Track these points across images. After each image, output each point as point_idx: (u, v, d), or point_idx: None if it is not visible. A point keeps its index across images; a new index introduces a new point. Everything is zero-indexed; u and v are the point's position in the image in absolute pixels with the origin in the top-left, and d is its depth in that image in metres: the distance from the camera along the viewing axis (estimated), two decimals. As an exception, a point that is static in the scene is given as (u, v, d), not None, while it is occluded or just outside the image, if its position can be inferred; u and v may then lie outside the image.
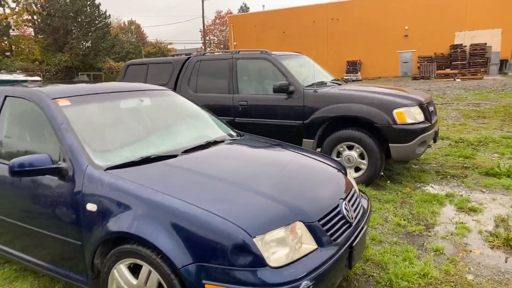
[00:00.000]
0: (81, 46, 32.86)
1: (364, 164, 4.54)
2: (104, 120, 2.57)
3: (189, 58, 5.92)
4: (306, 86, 4.91)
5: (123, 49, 55.53)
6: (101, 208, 2.00)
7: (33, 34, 35.88)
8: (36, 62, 33.69)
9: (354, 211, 2.32)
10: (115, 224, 1.92)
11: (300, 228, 1.90)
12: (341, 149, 4.66)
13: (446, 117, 9.56)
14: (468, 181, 4.66)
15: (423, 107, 4.50)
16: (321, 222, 1.99)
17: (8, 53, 32.90)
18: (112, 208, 1.96)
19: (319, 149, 4.86)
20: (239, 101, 5.27)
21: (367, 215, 2.45)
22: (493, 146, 6.24)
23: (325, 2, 33.50)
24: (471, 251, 3.04)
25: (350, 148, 4.62)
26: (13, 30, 33.16)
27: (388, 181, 4.80)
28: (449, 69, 26.93)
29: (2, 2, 31.78)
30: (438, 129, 5.10)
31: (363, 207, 2.50)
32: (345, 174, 2.72)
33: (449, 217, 3.68)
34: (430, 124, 4.51)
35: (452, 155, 5.84)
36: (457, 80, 23.56)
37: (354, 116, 4.50)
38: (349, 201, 2.33)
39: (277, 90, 4.80)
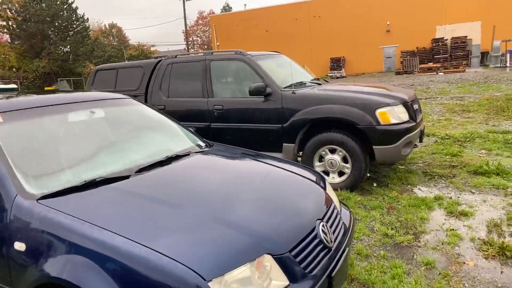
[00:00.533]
0: (59, 51, 32.07)
1: (347, 168, 4.28)
2: (45, 137, 2.22)
3: (159, 61, 5.57)
4: (284, 88, 4.62)
5: (105, 53, 54.58)
6: (30, 248, 1.67)
7: (10, 41, 34.83)
8: (13, 69, 32.74)
9: (334, 232, 2.03)
10: (45, 268, 1.59)
11: (268, 261, 1.60)
12: (323, 153, 4.39)
13: (431, 112, 9.41)
14: (457, 181, 4.44)
15: (407, 105, 4.26)
16: (294, 252, 1.69)
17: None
18: (42, 248, 1.63)
19: (300, 153, 4.59)
20: (215, 105, 4.95)
21: (349, 234, 2.17)
22: (480, 141, 6.06)
23: (307, -1, 33.38)
24: (464, 263, 2.79)
25: (332, 151, 4.35)
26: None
27: (374, 184, 4.55)
28: (432, 63, 27.05)
29: (-25, 8, 30.77)
30: (424, 127, 4.87)
31: (344, 225, 2.21)
32: (324, 187, 2.44)
33: (439, 223, 3.44)
34: (415, 123, 4.27)
35: (439, 153, 5.63)
36: (440, 73, 23.64)
37: (335, 118, 4.23)
38: (327, 221, 2.04)
39: (253, 92, 4.50)
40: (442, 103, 10.85)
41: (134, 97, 5.57)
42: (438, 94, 13.19)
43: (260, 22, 34.28)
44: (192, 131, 3.18)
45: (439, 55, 27.90)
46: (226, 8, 67.75)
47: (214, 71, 5.06)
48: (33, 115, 2.27)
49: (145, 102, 5.48)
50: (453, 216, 3.58)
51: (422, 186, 4.43)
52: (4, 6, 33.16)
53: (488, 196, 3.98)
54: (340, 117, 4.19)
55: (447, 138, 6.42)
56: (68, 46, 32.97)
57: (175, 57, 5.48)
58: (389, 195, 4.17)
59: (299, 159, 4.61)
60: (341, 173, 4.37)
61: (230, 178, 2.27)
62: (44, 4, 31.99)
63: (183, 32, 55.41)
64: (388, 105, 4.10)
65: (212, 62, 5.08)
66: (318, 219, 1.97)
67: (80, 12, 34.09)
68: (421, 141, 4.61)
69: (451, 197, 4.00)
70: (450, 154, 5.46)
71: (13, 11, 32.06)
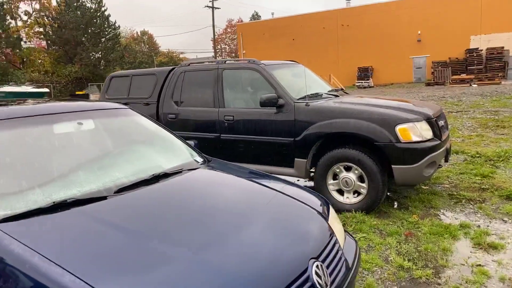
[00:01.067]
0: (91, 57, 33.08)
1: (363, 188, 3.94)
2: (20, 152, 2.06)
3: (173, 69, 5.44)
4: (298, 99, 4.35)
5: (136, 59, 56.09)
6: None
7: (46, 47, 36.32)
8: (48, 74, 34.03)
9: (331, 273, 1.74)
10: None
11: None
12: (338, 170, 4.07)
13: (461, 127, 8.84)
14: (487, 207, 4.01)
15: (432, 121, 3.89)
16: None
17: (19, 65, 33.32)
18: (-10, 280, 1.44)
19: (313, 169, 4.30)
20: (225, 115, 4.74)
21: (350, 275, 1.87)
22: (515, 162, 5.54)
23: (335, 8, 32.96)
24: (491, 308, 2.41)
25: (347, 169, 4.03)
26: (25, 42, 33.67)
27: (395, 205, 4.18)
28: (465, 74, 25.96)
29: (15, 15, 32.32)
30: (451, 145, 4.46)
31: (346, 264, 1.91)
32: (327, 215, 2.15)
33: (463, 257, 3.05)
34: (440, 141, 3.89)
35: (468, 173, 5.17)
36: (473, 85, 22.60)
37: (351, 134, 3.92)
38: (324, 260, 1.75)
39: (265, 103, 4.26)
40: (475, 117, 10.22)
41: (147, 104, 5.55)
42: (471, 107, 12.49)
43: (287, 31, 34.14)
44: (191, 145, 2.97)
45: (473, 66, 26.76)
46: (255, 17, 68.21)
47: (226, 80, 4.86)
48: (12, 126, 2.11)
49: (157, 110, 5.36)
50: (481, 248, 3.18)
51: (446, 210, 4.03)
52: (42, 14, 34.67)
53: (522, 226, 3.54)
54: (356, 132, 3.87)
55: (477, 157, 5.93)
56: (100, 52, 33.98)
57: (188, 65, 5.33)
58: (409, 219, 3.79)
59: (312, 175, 4.32)
60: (356, 193, 4.04)
61: (218, 204, 2.02)
62: (79, 12, 33.22)
63: (211, 40, 56.01)
64: (409, 121, 3.75)
65: (224, 71, 4.88)
66: (312, 258, 1.69)
67: (113, 19, 35.15)
68: (446, 161, 4.20)
69: (479, 226, 3.59)
70: (481, 175, 4.99)
71: (50, 18, 33.46)
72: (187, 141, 3.10)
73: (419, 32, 29.65)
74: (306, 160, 4.26)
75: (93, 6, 33.16)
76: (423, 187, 4.75)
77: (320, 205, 2.23)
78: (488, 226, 3.59)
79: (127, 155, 2.46)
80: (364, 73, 31.70)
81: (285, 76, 4.81)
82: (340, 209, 4.03)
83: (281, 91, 4.38)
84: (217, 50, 73.80)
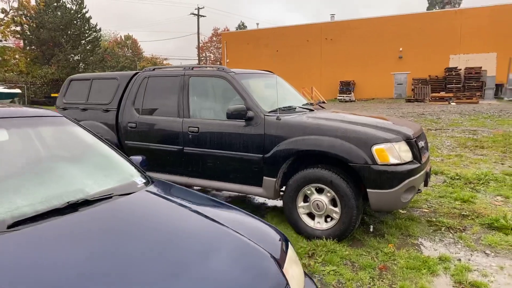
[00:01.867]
0: (69, 59, 32.12)
1: (336, 212, 3.57)
2: None
3: (136, 73, 4.99)
4: (269, 112, 3.97)
5: (118, 63, 55.14)
6: None
7: (23, 46, 35.11)
8: (23, 74, 32.84)
9: None
10: None
11: None
12: (309, 192, 3.69)
13: (441, 146, 8.66)
14: (468, 237, 3.69)
15: (411, 142, 3.57)
16: None
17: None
18: None
19: (283, 189, 3.91)
20: (190, 126, 4.32)
21: None
22: (495, 185, 5.30)
23: (320, 21, 33.16)
24: None
25: (319, 191, 3.66)
26: (0, 41, 32.43)
27: (368, 232, 3.82)
28: (444, 92, 26.37)
29: (-10, 13, 31.15)
30: (431, 169, 4.16)
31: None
32: (283, 258, 1.74)
33: (443, 298, 2.70)
34: (419, 164, 3.57)
35: (448, 197, 4.88)
36: (452, 103, 22.91)
37: (323, 152, 3.56)
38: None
39: (232, 115, 3.86)
40: (453, 136, 10.11)
41: (106, 111, 5.07)
42: (450, 125, 12.45)
43: (271, 42, 34.10)
44: (138, 161, 2.53)
45: (452, 84, 27.22)
46: (241, 27, 68.33)
47: (193, 88, 4.45)
48: None
49: (116, 118, 4.89)
50: (462, 287, 2.83)
51: (425, 239, 3.69)
52: (20, 12, 33.57)
53: (506, 261, 3.23)
54: (329, 151, 3.51)
55: (457, 179, 5.67)
56: (79, 55, 33.05)
57: (153, 70, 4.90)
58: (384, 249, 3.43)
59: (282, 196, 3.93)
60: (329, 218, 3.66)
61: (144, 248, 1.58)
62: (59, 13, 32.31)
63: (196, 48, 55.49)
64: (387, 141, 3.41)
65: (191, 78, 4.47)
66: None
67: (95, 22, 34.35)
68: (426, 185, 3.89)
69: (459, 259, 3.25)
70: (461, 200, 4.71)
71: (28, 17, 32.40)
72: (132, 157, 2.67)
73: (400, 49, 30.09)
74: (275, 179, 3.87)
75: (74, 7, 32.30)
76: (400, 211, 4.41)
77: (277, 245, 1.82)
78: (469, 260, 3.26)
79: (43, 175, 2.00)
80: (346, 87, 31.85)
81: (257, 86, 4.44)
82: (310, 236, 3.65)
83: (250, 102, 4.00)
84: (202, 58, 73.40)
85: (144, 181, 2.32)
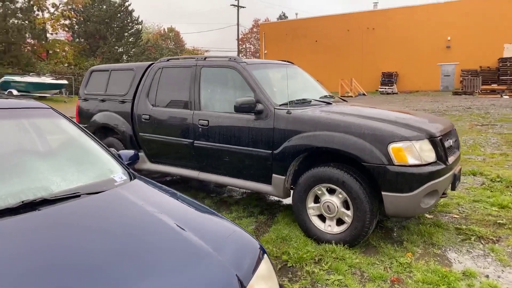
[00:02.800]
0: (113, 51, 33.29)
1: (348, 216, 3.26)
2: None
3: (151, 64, 4.90)
4: (281, 105, 3.71)
5: (161, 55, 56.70)
6: None
7: (71, 39, 36.85)
8: (71, 66, 34.49)
9: None
10: None
11: None
12: (320, 192, 3.41)
13: (485, 143, 7.93)
14: (501, 250, 3.25)
15: (435, 141, 3.17)
16: None
17: (44, 57, 33.90)
18: None
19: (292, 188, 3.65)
20: (200, 119, 4.16)
21: None
22: (543, 190, 4.70)
23: (361, 10, 31.88)
24: None
25: (331, 192, 3.36)
26: (51, 34, 34.24)
27: (385, 239, 3.49)
28: (496, 85, 24.46)
29: (42, 7, 32.88)
30: (460, 170, 3.71)
31: None
32: (239, 277, 1.50)
33: (461, 322, 2.35)
34: (445, 166, 3.17)
35: (484, 201, 4.38)
36: (504, 97, 21.20)
37: (335, 150, 3.25)
38: None
39: (240, 108, 3.65)
40: (501, 132, 9.25)
41: (122, 102, 5.03)
42: (499, 120, 11.45)
43: (309, 32, 33.32)
44: (121, 157, 2.40)
45: (506, 76, 25.20)
46: (282, 17, 67.49)
47: (204, 80, 4.28)
48: None
49: (131, 110, 4.84)
50: (486, 310, 2.46)
51: (450, 250, 3.29)
52: (69, 7, 35.19)
53: (544, 280, 2.78)
54: (340, 149, 3.20)
55: (498, 181, 5.10)
56: (122, 47, 34.17)
57: (168, 60, 4.78)
58: (400, 259, 3.09)
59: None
60: (340, 221, 3.37)
61: (102, 254, 1.42)
62: (104, 6, 33.51)
63: (236, 39, 55.53)
64: (406, 139, 3.04)
65: (203, 68, 4.30)
66: None
67: (137, 15, 35.26)
68: (453, 188, 3.46)
69: (487, 276, 2.85)
70: (498, 205, 4.20)
71: (76, 11, 33.87)
72: (121, 152, 2.55)
73: (448, 38, 28.26)
74: (284, 177, 3.62)
75: (117, 1, 33.36)
76: (426, 216, 4.01)
77: (244, 257, 1.60)
78: (499, 277, 2.85)
79: (10, 170, 1.90)
80: (388, 78, 30.51)
81: (271, 77, 4.19)
82: (319, 239, 3.38)
83: (260, 94, 3.76)
84: (242, 50, 73.61)
85: (124, 178, 2.18)
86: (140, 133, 4.77)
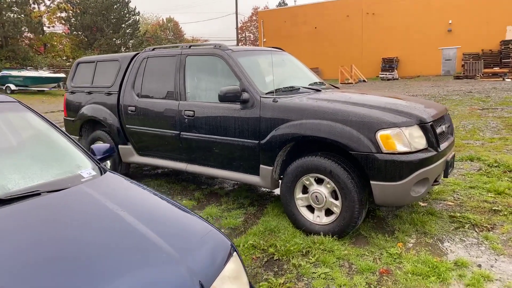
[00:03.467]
0: (111, 43, 33.00)
1: (336, 206, 3.16)
2: None
3: (136, 54, 4.77)
4: (267, 93, 3.59)
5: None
6: None
7: (69, 32, 36.52)
8: (69, 59, 34.25)
9: None
10: None
11: None
12: (307, 182, 3.30)
13: (484, 127, 7.78)
14: (495, 237, 3.15)
15: (426, 127, 3.04)
16: None
17: (42, 50, 33.66)
18: None
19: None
20: (185, 110, 4.04)
21: None
22: (541, 175, 4.57)
23: (360, -5, 31.35)
24: None
25: (319, 182, 3.26)
26: (48, 27, 33.94)
27: (376, 229, 3.39)
28: (498, 68, 24.10)
29: (38, 0, 32.52)
30: (454, 156, 3.58)
31: None
32: (200, 279, 1.40)
33: (449, 315, 2.26)
34: (436, 152, 3.05)
35: (480, 187, 4.26)
36: (506, 80, 20.89)
37: (321, 138, 3.13)
38: None
39: (225, 97, 3.52)
40: (501, 116, 9.08)
41: (108, 94, 4.91)
42: (499, 104, 11.26)
43: (308, 19, 32.87)
44: (88, 151, 2.29)
45: (508, 58, 24.81)
46: (282, 4, 66.56)
47: (189, 69, 4.15)
48: None
49: (118, 101, 4.72)
50: (476, 301, 2.36)
51: (442, 239, 3.19)
52: (65, -1, 34.77)
53: (539, 269, 2.68)
54: (327, 137, 3.08)
55: (495, 166, 4.98)
56: (120, 39, 33.85)
57: (153, 49, 4.64)
58: (390, 249, 2.99)
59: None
60: (329, 212, 3.27)
61: (53, 256, 1.32)
62: (100, -3, 33.09)
63: (236, 28, 54.91)
64: (395, 125, 2.92)
65: (188, 57, 4.17)
66: None
67: (133, 6, 34.85)
68: (445, 175, 3.34)
69: (480, 265, 2.75)
70: (495, 191, 4.09)
71: (71, 3, 33.48)
72: (94, 146, 2.45)
73: (450, 21, 27.78)
74: (272, 167, 3.51)
75: (113, -9, 32.96)
76: (420, 204, 3.90)
77: (208, 257, 1.49)
78: (492, 266, 2.75)
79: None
80: (389, 64, 30.15)
81: (257, 65, 4.05)
82: (308, 231, 3.29)
83: (246, 83, 3.63)
84: (241, 39, 72.86)
85: (93, 173, 2.08)
86: (126, 125, 4.66)
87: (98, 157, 2.39)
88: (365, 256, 2.95)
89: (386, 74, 28.98)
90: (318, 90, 3.95)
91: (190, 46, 4.27)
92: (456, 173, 4.84)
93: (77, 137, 5.39)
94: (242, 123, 3.62)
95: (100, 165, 2.20)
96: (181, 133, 4.10)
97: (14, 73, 24.41)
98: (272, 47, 4.84)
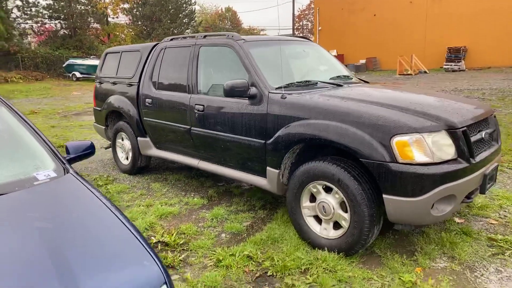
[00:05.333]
0: (168, 33, 33.96)
1: (345, 219, 2.76)
2: None
3: (156, 44, 4.63)
4: (277, 88, 3.24)
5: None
6: None
7: (131, 22, 38.21)
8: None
9: None
10: None
11: None
12: (315, 190, 2.93)
13: (556, 129, 6.67)
14: (542, 271, 2.56)
15: (456, 133, 2.51)
16: None
17: (106, 40, 35.62)
18: None
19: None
20: (196, 104, 3.83)
21: None
22: None
23: (426, -21, 28.94)
24: None
25: (328, 190, 2.87)
26: (112, 18, 35.76)
27: (392, 248, 2.93)
28: None
29: (103, -8, 34.28)
30: (497, 168, 2.96)
31: None
32: None
33: None
34: (468, 164, 2.52)
35: (535, 204, 3.57)
36: None
37: (328, 141, 2.74)
38: None
39: (230, 92, 3.23)
40: None
41: (130, 85, 4.85)
42: None
43: (367, 5, 31.08)
44: (55, 150, 2.14)
45: None
46: (342, -9, 64.05)
47: (202, 60, 3.91)
48: None
49: (137, 93, 4.64)
50: None
51: (474, 266, 2.67)
52: (128, -9, 36.30)
53: None
54: (335, 140, 2.68)
55: (561, 178, 4.18)
56: (177, 28, 34.72)
57: (171, 40, 4.47)
58: (405, 275, 2.55)
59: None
60: (337, 225, 2.88)
61: None
62: (160, -12, 34.04)
63: (292, 16, 53.70)
64: (415, 130, 2.44)
65: (201, 47, 3.93)
66: None
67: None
68: (482, 191, 2.76)
69: (514, 308, 2.23)
70: (553, 211, 3.39)
71: (134, -6, 34.86)
72: (71, 143, 2.31)
73: (530, 5, 24.66)
74: (279, 170, 3.18)
75: (172, -17, 33.76)
76: (455, 219, 3.34)
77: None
78: (530, 310, 2.21)
79: None
80: (455, 54, 27.62)
81: (273, 57, 3.69)
82: (314, 244, 2.94)
83: (255, 76, 3.32)
84: (299, 27, 71.52)
85: (53, 175, 1.92)
86: (144, 118, 4.57)
87: (71, 156, 2.25)
88: (372, 282, 2.54)
89: (451, 65, 26.63)
90: (339, 85, 3.52)
91: (205, 36, 4.02)
92: (509, 184, 4.14)
93: (103, 127, 5.44)
94: (249, 120, 3.32)
95: (65, 166, 2.05)
96: (192, 128, 3.89)
97: (79, 61, 26.08)
98: (297, 36, 4.44)
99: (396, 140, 2.44)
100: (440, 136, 2.47)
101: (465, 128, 2.56)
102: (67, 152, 2.27)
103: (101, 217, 1.66)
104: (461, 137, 2.53)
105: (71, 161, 2.22)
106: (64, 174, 1.97)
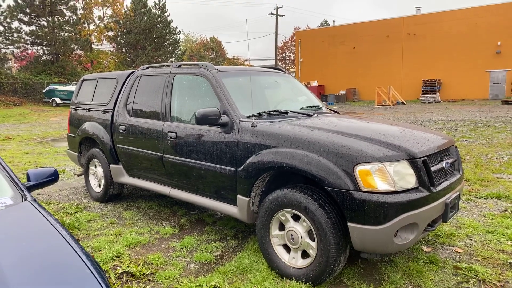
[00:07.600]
0: (152, 61, 34.32)
1: (313, 248, 2.76)
2: None
3: (132, 72, 4.68)
4: (248, 117, 3.30)
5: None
6: None
7: (116, 50, 38.50)
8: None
9: None
10: None
11: None
12: (283, 218, 2.94)
13: (523, 159, 6.94)
14: (504, 300, 2.59)
15: (417, 162, 2.60)
16: None
17: (89, 67, 35.66)
18: None
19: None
20: (169, 131, 3.84)
21: None
22: None
23: (402, 15, 30.46)
24: None
25: (296, 218, 2.89)
26: (96, 45, 36.01)
27: (360, 277, 2.93)
28: (553, 93, 22.20)
29: (88, 20, 34.68)
30: (459, 196, 3.05)
31: None
32: None
33: None
34: (428, 193, 2.59)
35: (499, 233, 3.66)
36: (561, 106, 19.10)
37: (295, 169, 2.78)
38: None
39: (202, 120, 3.26)
40: (547, 147, 8.11)
41: (104, 112, 4.84)
42: (547, 133, 10.15)
43: (347, 39, 32.36)
44: (15, 178, 2.11)
45: None
46: (324, 25, 66.54)
47: (176, 89, 3.97)
48: None
49: (111, 120, 4.63)
50: None
51: (438, 296, 2.68)
52: (114, 19, 36.85)
53: None
54: (301, 168, 2.72)
55: (525, 207, 4.31)
56: (161, 57, 35.14)
57: (147, 68, 4.53)
58: (370, 306, 2.54)
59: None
60: (305, 254, 2.87)
61: None
62: (146, 17, 34.69)
63: (275, 48, 55.15)
64: (376, 160, 2.51)
65: (176, 76, 4.00)
66: None
67: (179, 26, 36.29)
68: (445, 220, 2.83)
69: (475, 337, 2.24)
70: (516, 239, 3.48)
71: (118, 22, 35.35)
72: (33, 170, 2.27)
73: (499, 43, 26.17)
74: (248, 198, 3.19)
75: (157, 12, 34.42)
76: (423, 248, 3.39)
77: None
78: None
79: None
80: (431, 86, 28.78)
81: (244, 87, 3.77)
82: (282, 273, 2.91)
83: (227, 105, 3.37)
84: (282, 58, 73.38)
85: (8, 203, 1.88)
86: (117, 145, 4.55)
87: (31, 184, 2.21)
88: (338, 311, 2.52)
89: (427, 96, 27.66)
90: (308, 115, 3.61)
91: (180, 65, 4.10)
92: (476, 213, 4.24)
93: (77, 154, 5.37)
94: (220, 148, 3.35)
95: (23, 193, 2.01)
96: (164, 155, 3.89)
97: (60, 87, 25.92)
98: (271, 67, 4.57)
99: (359, 169, 2.50)
100: (402, 165, 2.55)
101: (425, 158, 2.65)
102: (28, 179, 2.24)
103: (51, 244, 1.63)
104: (422, 166, 2.61)
105: (31, 188, 2.18)
106: (22, 201, 1.93)
